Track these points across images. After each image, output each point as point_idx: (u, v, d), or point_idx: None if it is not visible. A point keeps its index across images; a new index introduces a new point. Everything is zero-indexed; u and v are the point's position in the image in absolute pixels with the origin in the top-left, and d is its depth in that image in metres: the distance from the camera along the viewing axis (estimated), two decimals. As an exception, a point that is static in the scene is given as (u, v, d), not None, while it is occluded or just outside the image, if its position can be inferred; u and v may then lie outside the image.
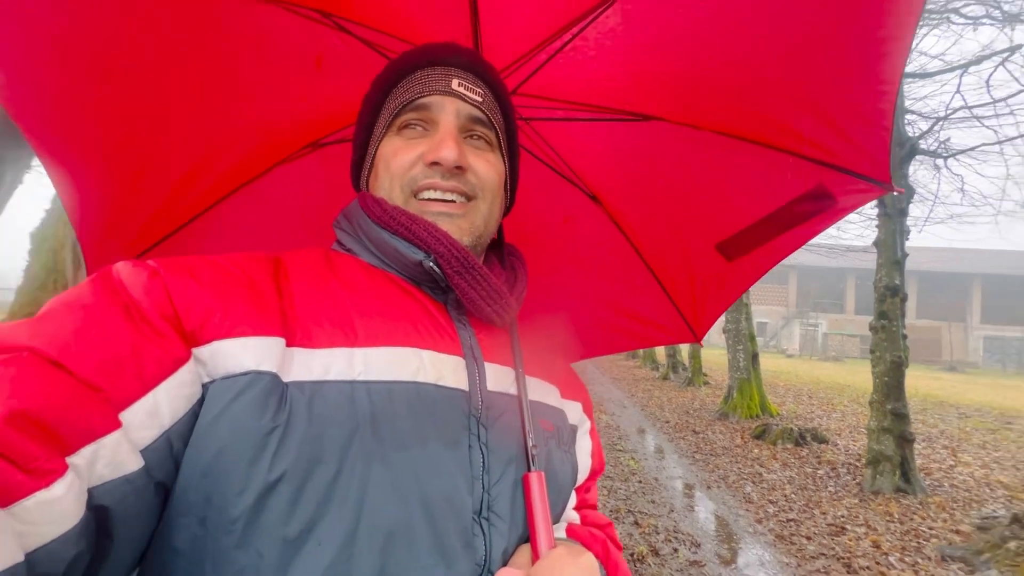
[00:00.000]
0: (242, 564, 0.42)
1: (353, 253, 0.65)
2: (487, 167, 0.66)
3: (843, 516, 4.47)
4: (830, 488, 5.20)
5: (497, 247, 0.78)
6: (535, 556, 0.53)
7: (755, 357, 8.86)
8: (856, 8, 0.76)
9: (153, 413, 0.42)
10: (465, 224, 0.63)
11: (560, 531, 0.66)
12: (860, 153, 0.90)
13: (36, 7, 0.68)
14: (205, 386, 0.45)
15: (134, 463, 0.40)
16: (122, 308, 0.44)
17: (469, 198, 0.64)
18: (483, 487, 0.54)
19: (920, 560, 3.67)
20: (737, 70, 0.88)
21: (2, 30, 0.68)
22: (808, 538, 4.04)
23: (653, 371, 16.10)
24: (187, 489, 0.43)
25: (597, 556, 0.62)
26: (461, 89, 0.66)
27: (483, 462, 0.55)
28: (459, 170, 0.63)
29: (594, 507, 0.77)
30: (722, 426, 7.98)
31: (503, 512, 0.54)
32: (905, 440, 5.11)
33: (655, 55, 0.89)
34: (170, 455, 0.43)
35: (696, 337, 1.26)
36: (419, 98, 0.65)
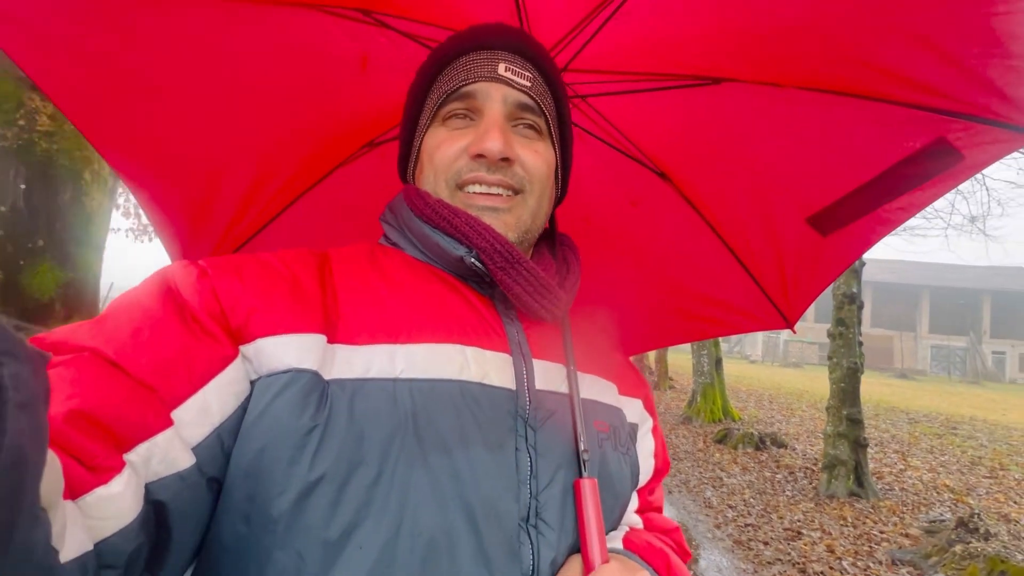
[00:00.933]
0: (283, 564, 0.42)
1: (398, 247, 0.64)
2: (535, 158, 0.63)
3: (799, 520, 4.51)
4: (787, 492, 5.26)
5: (548, 237, 0.73)
6: (587, 569, 0.50)
7: (719, 362, 8.98)
8: None
9: (204, 411, 0.43)
10: (511, 219, 0.61)
11: (618, 539, 0.61)
12: (991, 93, 0.70)
13: (101, 36, 0.70)
14: (253, 383, 0.46)
15: (186, 460, 0.41)
16: (175, 308, 0.45)
17: (516, 191, 0.62)
18: (531, 493, 0.51)
19: (872, 564, 3.71)
20: (822, 9, 0.73)
21: (71, 57, 0.70)
22: (765, 543, 4.05)
23: (621, 375, 16.18)
24: (232, 487, 0.44)
25: (657, 571, 0.58)
26: (508, 74, 0.62)
27: (531, 466, 0.52)
28: (505, 162, 0.60)
29: (659, 510, 0.74)
30: (685, 430, 8.04)
31: (552, 520, 0.52)
32: (859, 445, 5.22)
33: (720, 6, 0.77)
34: (221, 451, 0.44)
35: (788, 323, 1.12)
36: (463, 86, 0.62)
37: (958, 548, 3.56)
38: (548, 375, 0.59)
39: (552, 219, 0.73)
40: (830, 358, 5.59)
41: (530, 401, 0.55)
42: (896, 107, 0.78)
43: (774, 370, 23.09)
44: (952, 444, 7.88)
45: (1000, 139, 0.75)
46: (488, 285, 0.61)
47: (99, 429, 0.37)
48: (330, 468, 0.43)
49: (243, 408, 0.45)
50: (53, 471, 0.30)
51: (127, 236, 9.31)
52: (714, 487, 5.40)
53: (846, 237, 0.95)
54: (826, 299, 4.85)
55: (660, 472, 0.74)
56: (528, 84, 0.64)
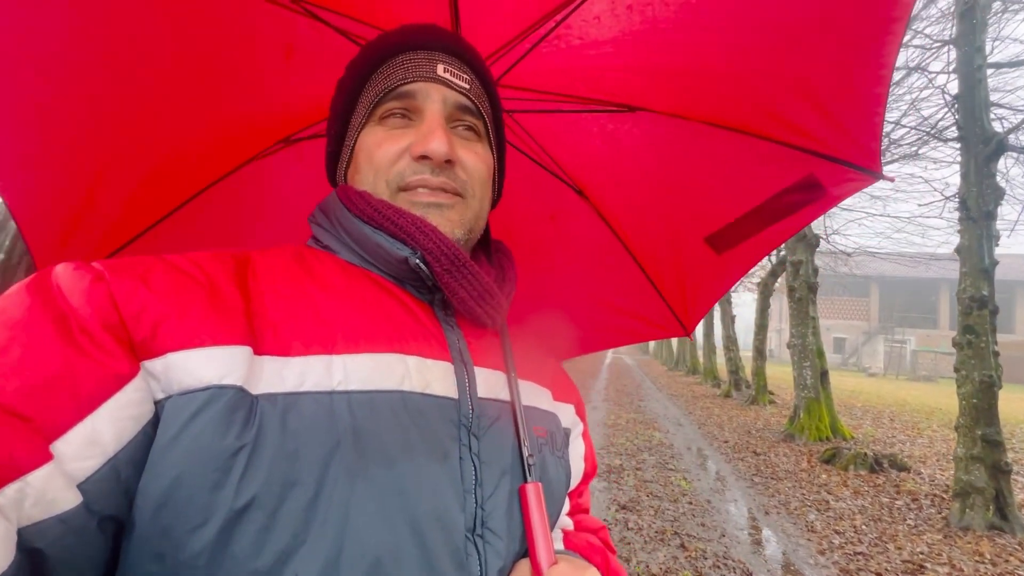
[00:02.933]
0: None
1: (330, 250, 0.61)
2: (476, 159, 0.61)
3: (922, 553, 4.02)
4: (909, 521, 4.70)
5: (483, 243, 0.72)
6: (535, 572, 0.51)
7: (824, 374, 8.22)
8: None
9: (92, 441, 0.37)
10: (455, 215, 0.59)
11: (558, 540, 0.64)
12: (851, 141, 0.87)
13: None
14: (159, 403, 0.40)
15: (69, 500, 0.36)
16: (56, 319, 0.39)
17: (458, 195, 0.60)
18: (476, 502, 0.50)
19: (1015, 608, 3.22)
20: (725, 58, 0.86)
21: None
22: (878, 574, 3.67)
23: (714, 388, 15.33)
24: (140, 524, 0.38)
25: (599, 568, 0.60)
26: (447, 75, 0.61)
27: (475, 475, 0.51)
28: (448, 164, 0.58)
29: (587, 511, 0.75)
30: (786, 448, 7.44)
31: (499, 528, 0.51)
32: (1000, 471, 4.53)
33: (641, 44, 0.87)
34: (118, 485, 0.38)
35: (686, 331, 1.24)
36: (402, 85, 0.60)
37: None
38: (489, 382, 0.58)
39: (487, 225, 0.72)
40: (957, 371, 4.93)
41: (472, 409, 0.54)
42: (779, 146, 0.92)
43: (898, 384, 20.43)
44: None
45: (853, 178, 0.91)
46: (428, 290, 0.59)
47: None
48: (260, 491, 0.40)
49: (145, 434, 0.39)
50: None
51: None
52: (818, 510, 4.96)
53: (736, 255, 1.08)
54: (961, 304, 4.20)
55: (588, 475, 0.75)
56: (467, 86, 0.62)
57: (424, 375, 0.52)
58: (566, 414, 0.72)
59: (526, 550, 0.53)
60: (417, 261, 0.56)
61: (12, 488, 0.33)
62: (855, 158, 0.88)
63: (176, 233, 0.99)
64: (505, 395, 0.60)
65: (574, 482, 0.71)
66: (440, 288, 0.58)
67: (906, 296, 31.02)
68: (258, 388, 0.43)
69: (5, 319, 0.38)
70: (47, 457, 0.35)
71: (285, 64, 0.87)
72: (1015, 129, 5.09)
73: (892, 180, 0.88)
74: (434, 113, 0.59)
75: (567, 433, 0.71)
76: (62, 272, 0.43)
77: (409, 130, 0.60)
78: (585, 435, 0.76)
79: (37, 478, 0.34)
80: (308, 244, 0.64)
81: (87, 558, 0.37)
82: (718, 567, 3.70)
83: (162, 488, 0.39)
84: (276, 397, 0.44)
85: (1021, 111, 5.95)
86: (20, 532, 0.34)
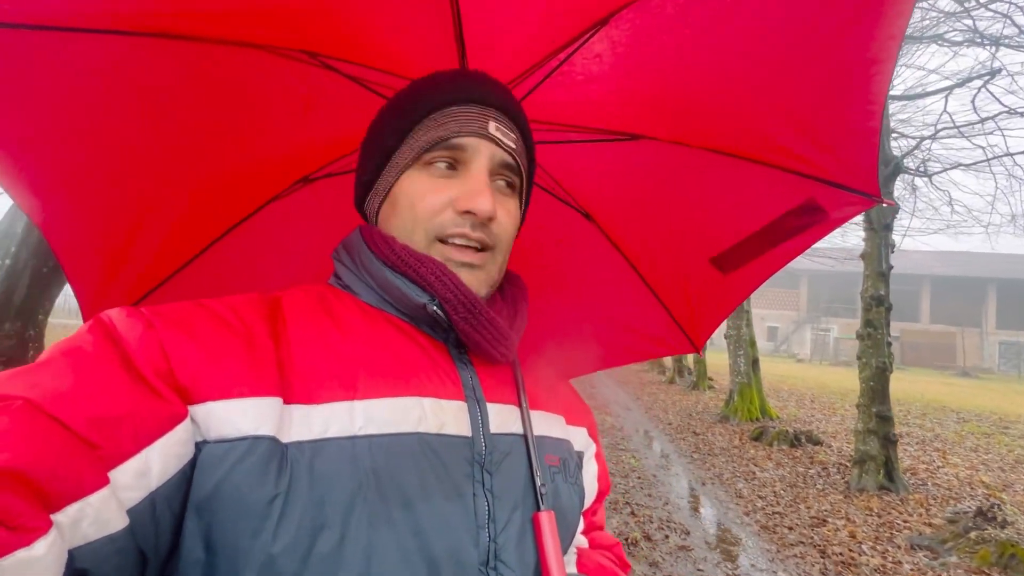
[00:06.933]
0: None
1: (350, 289, 0.64)
2: (508, 218, 0.64)
3: (826, 510, 4.83)
4: (818, 486, 5.56)
5: None
6: None
7: (755, 362, 9.19)
8: (842, 32, 0.79)
9: (142, 473, 0.41)
10: (483, 275, 0.62)
11: (572, 564, 0.67)
12: (850, 168, 0.93)
13: (24, 67, 0.69)
14: (198, 446, 0.44)
15: (120, 522, 0.39)
16: (120, 361, 0.43)
17: (487, 248, 0.62)
18: (489, 536, 0.53)
19: (890, 548, 4.03)
20: (727, 90, 0.91)
21: None
22: (790, 528, 4.42)
23: (660, 375, 16.40)
24: (190, 563, 0.43)
25: None
26: (498, 134, 0.63)
27: (488, 510, 0.54)
28: (489, 221, 0.61)
29: (601, 527, 0.78)
30: (722, 428, 8.33)
31: (511, 560, 0.53)
32: (889, 441, 5.46)
33: (643, 76, 0.92)
34: (152, 519, 0.41)
35: (696, 348, 1.29)
36: (455, 138, 0.61)
37: (973, 534, 3.84)
38: (500, 417, 0.60)
39: None
40: (859, 358, 5.85)
41: (485, 446, 0.57)
42: (781, 172, 0.98)
43: (822, 369, 22.52)
44: (1000, 443, 7.82)
45: (853, 202, 0.97)
46: (443, 330, 0.61)
47: (27, 486, 0.35)
48: (294, 536, 0.43)
49: (184, 473, 0.43)
50: None
51: None
52: (746, 480, 5.75)
53: (742, 275, 1.14)
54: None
55: (603, 493, 0.78)
56: (513, 146, 0.64)
57: (439, 416, 0.54)
58: (579, 438, 0.74)
59: None
60: (435, 308, 0.58)
61: (75, 507, 0.37)
62: (854, 183, 0.94)
63: (203, 275, 1.05)
64: (517, 428, 0.62)
65: (588, 502, 0.74)
66: (455, 330, 0.60)
67: (831, 288, 33.85)
68: (288, 436, 0.46)
69: (79, 355, 0.43)
70: (105, 481, 0.38)
71: (304, 111, 0.93)
72: (909, 153, 5.99)
73: (892, 204, 1.07)
74: (481, 170, 0.61)
75: (580, 456, 0.73)
76: (117, 318, 0.46)
77: (453, 181, 0.61)
78: (598, 456, 0.78)
79: (97, 499, 0.38)
80: (330, 282, 0.67)
81: None
82: (662, 529, 4.33)
83: (208, 531, 0.43)
84: (304, 445, 0.47)
85: (914, 137, 6.95)
86: (71, 552, 0.37)
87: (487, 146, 0.62)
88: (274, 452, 0.45)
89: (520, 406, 0.64)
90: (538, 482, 0.59)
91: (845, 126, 0.89)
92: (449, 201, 0.60)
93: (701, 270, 1.14)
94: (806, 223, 1.01)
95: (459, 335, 0.60)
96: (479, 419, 0.58)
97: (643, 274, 1.22)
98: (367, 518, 0.46)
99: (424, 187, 0.61)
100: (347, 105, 0.88)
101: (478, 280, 0.61)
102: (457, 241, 0.60)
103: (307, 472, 0.45)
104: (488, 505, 0.54)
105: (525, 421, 0.63)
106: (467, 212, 0.59)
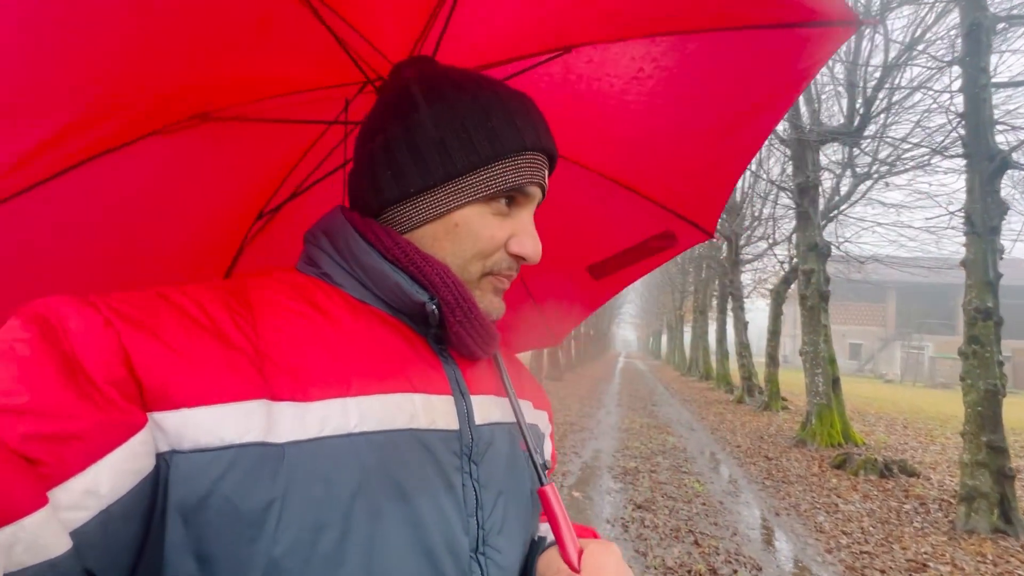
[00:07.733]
0: None
1: (331, 279, 0.60)
2: None
3: (926, 553, 4.22)
4: (915, 524, 4.89)
5: None
6: (567, 559, 0.57)
7: (836, 381, 8.38)
8: (735, 121, 0.98)
9: (90, 491, 0.36)
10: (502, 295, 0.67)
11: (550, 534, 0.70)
12: (702, 208, 1.19)
13: None
14: (165, 457, 0.40)
15: (61, 546, 0.35)
16: (63, 364, 0.38)
17: None
18: (478, 523, 0.55)
19: (1011, 604, 3.43)
20: (630, 126, 1.06)
21: None
22: (883, 572, 3.89)
23: (727, 393, 15.47)
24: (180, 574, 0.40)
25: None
26: (545, 183, 0.66)
27: (476, 499, 0.56)
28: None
29: None
30: (799, 453, 7.62)
31: (497, 543, 0.57)
32: (1004, 476, 4.71)
33: (566, 103, 1.02)
34: (103, 538, 0.37)
35: (556, 341, 1.56)
36: (528, 185, 0.61)
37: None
38: (484, 409, 0.63)
39: None
40: (963, 379, 5.12)
41: (472, 438, 0.58)
42: (652, 203, 1.21)
43: (915, 391, 20.30)
44: None
45: (696, 235, 1.25)
46: (426, 325, 0.61)
47: None
48: (295, 537, 0.42)
49: (142, 490, 0.39)
50: None
51: None
52: (827, 512, 5.17)
53: (607, 282, 1.38)
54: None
55: (551, 471, 0.82)
56: (546, 189, 0.66)
57: (430, 412, 0.56)
58: (543, 420, 0.80)
59: (524, 555, 0.62)
60: (433, 307, 0.58)
61: (6, 532, 0.32)
62: (702, 221, 1.22)
63: (41, 205, 0.86)
64: (497, 417, 0.64)
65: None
66: (443, 328, 0.60)
67: (924, 302, 30.67)
68: (282, 437, 0.44)
69: (14, 357, 0.37)
70: (43, 502, 0.34)
71: (248, 32, 0.73)
72: (1019, 147, 5.26)
73: (717, 239, 1.20)
74: (531, 213, 0.64)
75: (542, 438, 0.78)
76: (66, 312, 0.40)
77: (507, 220, 0.62)
78: (552, 435, 0.84)
79: (32, 522, 0.33)
80: (301, 268, 0.62)
81: None
82: (729, 562, 3.95)
83: (199, 545, 0.40)
84: (301, 444, 0.45)
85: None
86: None
87: (538, 194, 0.65)
88: (264, 457, 0.43)
89: (508, 396, 0.67)
90: (538, 461, 0.63)
91: (715, 170, 1.12)
92: (503, 242, 0.62)
93: (578, 276, 1.37)
94: (661, 246, 1.26)
95: (448, 333, 0.61)
96: (465, 412, 0.60)
97: (523, 278, 1.40)
98: (367, 515, 0.47)
99: (488, 224, 0.61)
100: (301, 51, 0.78)
101: (500, 300, 0.65)
102: (503, 275, 0.63)
103: (305, 472, 0.45)
104: (476, 494, 0.57)
105: (516, 410, 0.66)
106: (518, 256, 0.62)
